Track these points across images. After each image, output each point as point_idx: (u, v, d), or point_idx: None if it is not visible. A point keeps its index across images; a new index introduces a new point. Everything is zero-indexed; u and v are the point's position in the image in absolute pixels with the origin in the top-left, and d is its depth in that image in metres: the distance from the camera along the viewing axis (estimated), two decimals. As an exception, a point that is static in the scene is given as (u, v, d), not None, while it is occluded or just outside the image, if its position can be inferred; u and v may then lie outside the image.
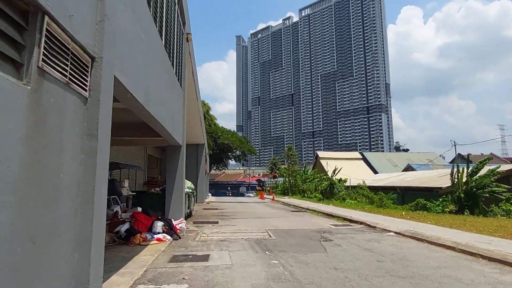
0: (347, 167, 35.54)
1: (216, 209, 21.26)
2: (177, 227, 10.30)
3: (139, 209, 10.57)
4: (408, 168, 42.52)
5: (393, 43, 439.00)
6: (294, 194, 41.95)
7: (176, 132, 10.30)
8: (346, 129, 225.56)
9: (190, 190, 15.63)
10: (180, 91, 11.16)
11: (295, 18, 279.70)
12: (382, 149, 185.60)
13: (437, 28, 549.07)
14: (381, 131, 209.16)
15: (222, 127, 61.51)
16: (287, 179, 46.30)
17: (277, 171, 51.78)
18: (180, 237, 9.61)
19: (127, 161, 16.85)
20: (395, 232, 10.64)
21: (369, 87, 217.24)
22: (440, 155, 49.74)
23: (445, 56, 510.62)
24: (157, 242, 8.84)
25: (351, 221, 14.01)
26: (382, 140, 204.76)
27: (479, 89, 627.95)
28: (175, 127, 9.87)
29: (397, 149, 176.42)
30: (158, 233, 9.35)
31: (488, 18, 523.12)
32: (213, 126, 56.64)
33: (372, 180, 36.65)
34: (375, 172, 48.53)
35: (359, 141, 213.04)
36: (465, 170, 19.72)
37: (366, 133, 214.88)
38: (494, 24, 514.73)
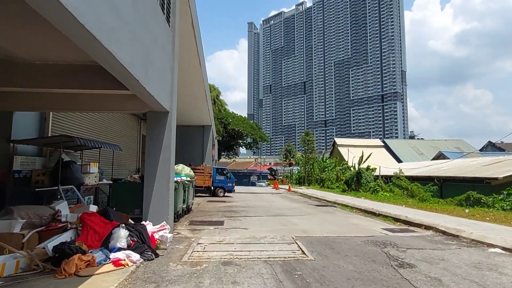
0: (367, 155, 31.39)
1: (224, 201, 17.52)
2: (156, 236, 6.52)
3: (92, 208, 6.76)
4: (439, 156, 37.97)
5: (408, 31, 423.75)
6: (311, 184, 38.03)
7: (155, 85, 6.44)
8: (360, 117, 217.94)
9: (188, 179, 11.86)
10: (165, 27, 7.27)
11: (309, 4, 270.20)
12: (397, 139, 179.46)
13: (454, 15, 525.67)
14: (395, 120, 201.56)
15: (232, 112, 57.67)
16: (302, 167, 42.30)
17: (292, 159, 47.78)
18: (156, 256, 5.83)
19: (110, 140, 13.13)
20: (503, 248, 6.68)
21: (384, 75, 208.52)
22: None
23: (462, 43, 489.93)
24: (112, 268, 5.07)
25: (408, 223, 10.06)
26: (396, 129, 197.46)
27: (496, 78, 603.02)
28: (150, 74, 6.01)
29: (412, 138, 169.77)
30: (119, 249, 5.59)
31: (509, 2, 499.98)
32: (223, 111, 52.86)
33: (399, 169, 32.46)
34: (399, 160, 44.11)
35: (373, 130, 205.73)
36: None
37: (380, 122, 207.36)
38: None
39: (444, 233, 8.41)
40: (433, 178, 24.33)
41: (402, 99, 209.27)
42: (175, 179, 10.29)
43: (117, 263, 5.21)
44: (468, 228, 8.44)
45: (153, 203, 7.49)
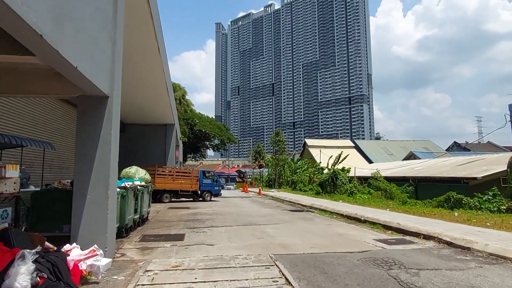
0: (335, 156, 30.41)
1: (188, 208, 15.62)
2: (82, 266, 4.65)
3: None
4: (411, 156, 37.78)
5: (373, 36, 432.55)
6: (281, 186, 36.64)
7: (81, 54, 4.61)
8: (328, 119, 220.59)
9: (143, 183, 9.94)
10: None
11: (277, 6, 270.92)
12: (365, 140, 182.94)
13: (416, 22, 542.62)
14: (362, 122, 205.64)
15: (199, 113, 55.38)
16: (272, 169, 40.82)
17: (261, 160, 46.23)
18: (78, 298, 3.99)
19: (48, 138, 10.95)
20: (535, 266, 5.35)
21: (351, 77, 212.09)
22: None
23: (423, 49, 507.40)
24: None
25: (402, 231, 8.68)
26: (363, 131, 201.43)
27: (455, 83, 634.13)
28: (70, 33, 4.18)
29: (378, 140, 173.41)
30: (17, 293, 3.70)
31: (468, 11, 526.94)
32: (189, 112, 50.51)
33: (370, 170, 31.77)
34: (370, 161, 43.81)
35: (341, 131, 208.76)
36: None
37: (348, 123, 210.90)
38: (473, 17, 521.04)
39: (450, 244, 7.06)
40: (408, 178, 23.58)
41: (368, 101, 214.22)
42: (126, 184, 8.41)
43: (6, 318, 3.34)
44: (476, 237, 7.14)
45: (86, 218, 5.59)
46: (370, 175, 22.80)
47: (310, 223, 10.86)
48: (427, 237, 7.78)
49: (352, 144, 50.02)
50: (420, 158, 34.59)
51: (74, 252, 4.81)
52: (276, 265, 5.53)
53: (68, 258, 4.64)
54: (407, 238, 8.06)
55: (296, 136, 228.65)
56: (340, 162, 23.89)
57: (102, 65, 5.66)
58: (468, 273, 5.14)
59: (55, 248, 5.03)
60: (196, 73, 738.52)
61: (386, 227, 9.34)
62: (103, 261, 5.03)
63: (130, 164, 11.56)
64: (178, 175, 19.25)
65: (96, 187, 5.71)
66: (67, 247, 4.99)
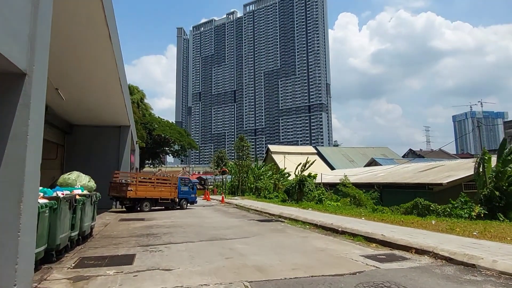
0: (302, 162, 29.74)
1: (142, 219, 13.83)
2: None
3: None
4: (372, 163, 38.01)
5: (331, 48, 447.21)
6: (245, 194, 35.28)
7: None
8: (288, 127, 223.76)
9: (85, 192, 8.22)
10: None
11: (239, 14, 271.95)
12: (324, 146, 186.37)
13: (370, 36, 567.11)
14: (321, 130, 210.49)
15: (158, 117, 52.86)
16: (235, 176, 39.37)
17: (224, 166, 44.62)
18: None
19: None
20: None
21: (311, 86, 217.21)
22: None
23: (377, 62, 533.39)
24: None
25: (388, 244, 7.67)
26: (322, 138, 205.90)
27: (405, 94, 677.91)
28: None
29: (335, 147, 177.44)
30: None
31: (416, 28, 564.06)
32: (148, 116, 47.97)
33: (334, 176, 31.31)
34: (332, 168, 43.72)
35: (300, 139, 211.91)
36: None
37: (307, 131, 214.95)
38: (421, 34, 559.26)
39: (450, 260, 6.08)
40: (373, 184, 23.18)
41: (327, 110, 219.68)
42: (58, 193, 6.71)
43: None
44: (476, 251, 6.21)
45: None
46: (335, 181, 22.17)
47: (283, 235, 9.61)
48: (420, 251, 6.79)
49: (315, 151, 49.88)
50: (381, 165, 34.82)
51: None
52: (254, 299, 4.19)
53: None
54: (397, 252, 7.04)
55: (257, 143, 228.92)
56: (307, 169, 22.98)
57: (15, 29, 4.09)
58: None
59: None
60: (156, 78, 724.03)
61: (369, 239, 8.30)
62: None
63: (80, 169, 9.78)
64: (158, 183, 18.58)
65: (3, 199, 4.08)
66: None
